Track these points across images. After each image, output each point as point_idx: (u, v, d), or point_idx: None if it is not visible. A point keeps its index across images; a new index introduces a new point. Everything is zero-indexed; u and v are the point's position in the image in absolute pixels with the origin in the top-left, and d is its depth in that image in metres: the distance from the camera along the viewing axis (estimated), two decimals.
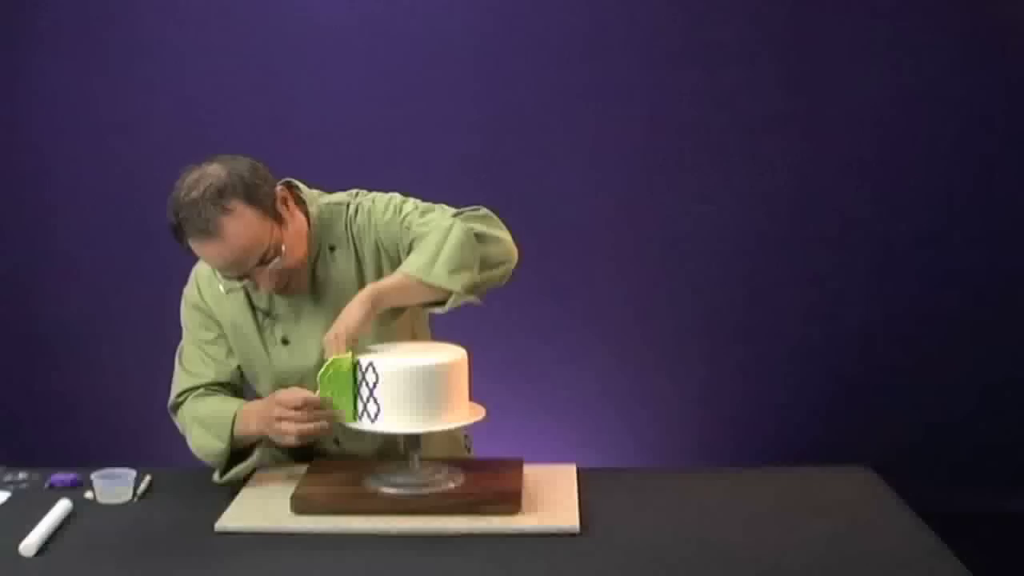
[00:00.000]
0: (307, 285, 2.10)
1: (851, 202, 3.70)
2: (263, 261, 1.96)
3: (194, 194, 1.91)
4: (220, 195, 1.91)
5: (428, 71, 3.67)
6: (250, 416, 2.03)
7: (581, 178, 3.70)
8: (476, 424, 1.97)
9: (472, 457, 2.33)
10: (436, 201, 2.13)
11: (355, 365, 1.91)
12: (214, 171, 1.94)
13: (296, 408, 1.93)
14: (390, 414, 1.88)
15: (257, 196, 1.95)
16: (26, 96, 3.74)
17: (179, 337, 2.22)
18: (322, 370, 1.91)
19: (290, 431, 1.94)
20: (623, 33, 3.64)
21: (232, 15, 3.66)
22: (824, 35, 3.63)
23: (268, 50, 3.67)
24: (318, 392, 1.92)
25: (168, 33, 3.68)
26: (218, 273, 2.03)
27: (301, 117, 3.67)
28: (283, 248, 1.98)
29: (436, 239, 1.95)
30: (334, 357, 1.90)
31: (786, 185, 3.69)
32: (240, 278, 2.00)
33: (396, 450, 2.08)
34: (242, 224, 1.92)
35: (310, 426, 1.93)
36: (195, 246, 1.94)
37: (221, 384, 2.15)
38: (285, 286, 2.05)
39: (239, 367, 2.16)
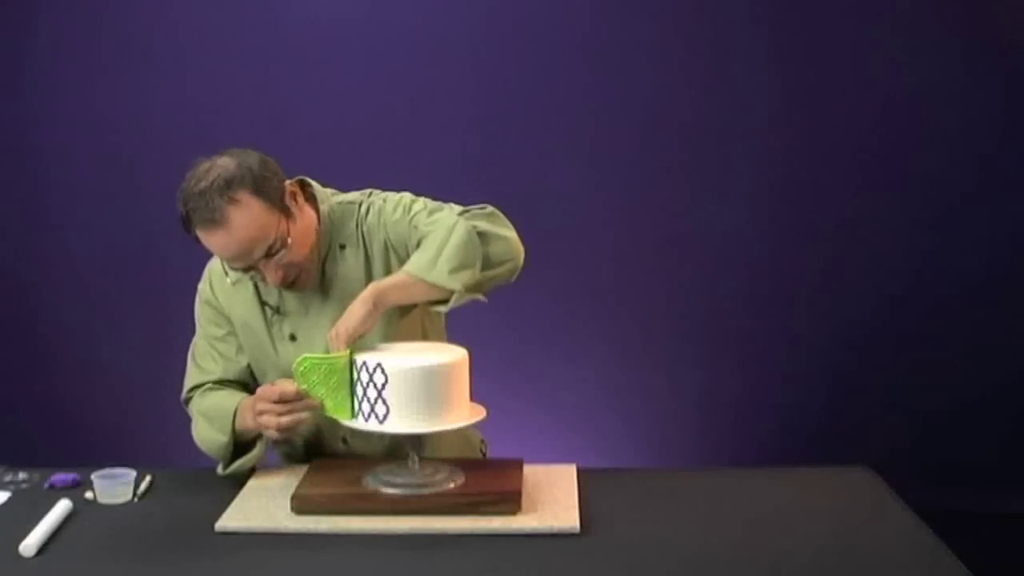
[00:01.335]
0: (316, 282, 2.11)
1: (851, 203, 3.69)
2: (269, 253, 1.97)
3: (203, 184, 1.93)
4: (228, 186, 1.93)
5: (429, 71, 3.67)
6: (246, 410, 2.05)
7: (582, 178, 3.70)
8: (475, 425, 1.97)
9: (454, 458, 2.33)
10: (438, 200, 2.13)
11: (352, 363, 1.92)
12: (223, 163, 1.96)
13: (274, 401, 1.95)
14: (397, 415, 1.88)
15: (265, 188, 1.96)
16: (26, 96, 3.74)
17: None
18: (295, 363, 1.92)
19: (269, 424, 1.97)
20: (624, 33, 3.64)
21: (232, 15, 3.66)
22: (826, 35, 3.62)
23: (268, 50, 3.67)
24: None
25: (169, 34, 3.68)
26: (226, 264, 2.06)
27: (302, 117, 3.67)
28: (289, 241, 1.99)
29: (439, 238, 1.96)
30: (303, 356, 1.93)
31: (786, 185, 3.69)
32: (247, 269, 2.02)
33: (404, 449, 2.08)
34: (248, 215, 1.93)
35: (286, 419, 1.95)
36: (202, 236, 1.96)
37: (230, 381, 2.17)
38: (293, 281, 2.06)
39: (250, 364, 2.18)
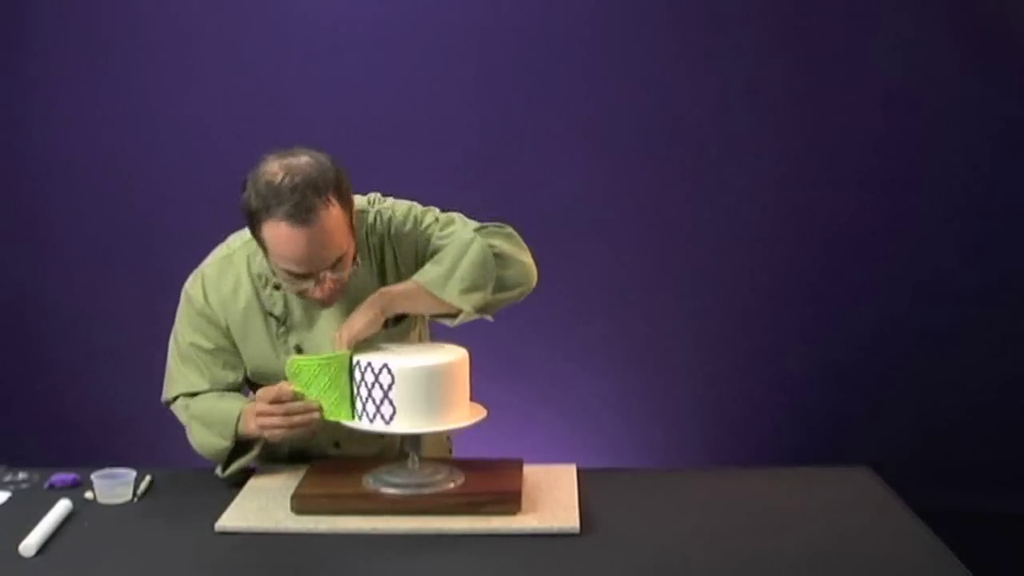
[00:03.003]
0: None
1: (852, 205, 3.69)
2: (333, 265, 1.91)
3: (297, 180, 1.85)
4: (325, 187, 1.86)
5: (432, 72, 3.66)
6: (249, 415, 2.02)
7: (583, 178, 3.70)
8: (475, 424, 1.97)
9: (454, 458, 2.32)
10: (440, 203, 2.13)
11: (355, 364, 1.92)
12: (312, 163, 1.89)
13: (270, 402, 1.94)
14: (404, 415, 1.88)
15: (346, 199, 1.91)
16: (25, 95, 3.73)
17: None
18: (286, 364, 1.93)
19: (267, 424, 1.95)
20: (628, 32, 3.64)
21: (232, 16, 3.66)
22: (830, 36, 3.62)
23: (270, 51, 3.66)
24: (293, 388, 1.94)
25: (170, 33, 3.67)
26: (282, 270, 1.94)
27: (303, 118, 3.65)
28: (357, 260, 1.94)
29: (454, 254, 1.94)
30: (293, 357, 1.93)
31: (787, 187, 3.69)
32: (306, 276, 1.92)
33: (395, 451, 2.07)
34: (334, 221, 1.87)
35: (299, 418, 1.93)
36: (283, 231, 1.85)
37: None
38: (333, 297, 1.97)
39: (242, 375, 2.13)
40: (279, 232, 1.86)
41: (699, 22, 3.63)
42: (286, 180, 1.85)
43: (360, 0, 3.66)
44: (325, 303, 1.99)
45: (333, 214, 1.87)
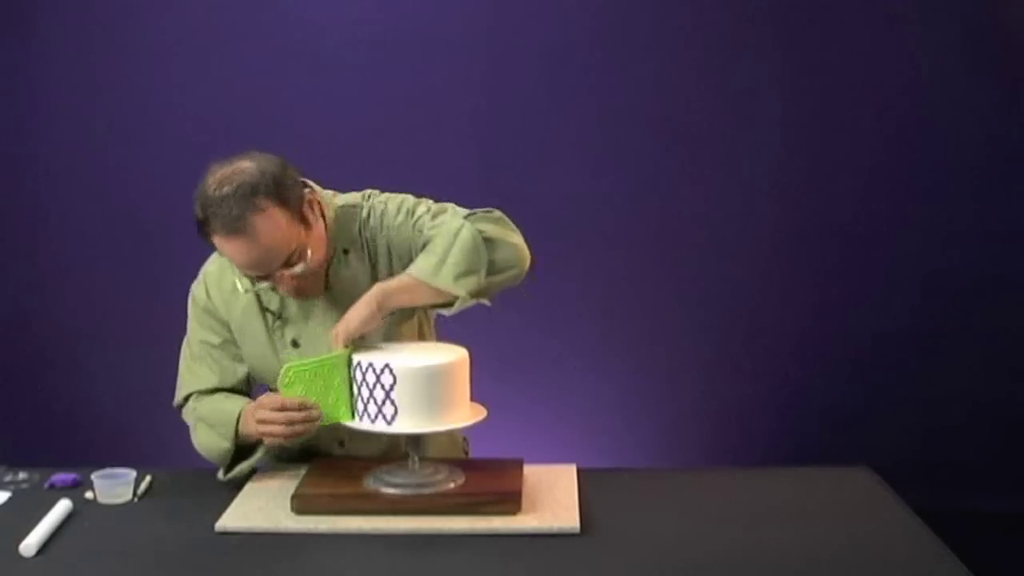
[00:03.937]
0: (321, 288, 2.08)
1: (854, 205, 3.69)
2: (287, 263, 1.94)
3: (226, 190, 1.88)
4: (253, 193, 1.88)
5: (431, 72, 3.66)
6: (249, 416, 2.03)
7: (583, 177, 3.70)
8: (476, 424, 1.97)
9: (454, 458, 2.32)
10: (445, 200, 2.12)
11: (356, 364, 1.92)
12: (247, 168, 1.91)
13: (275, 409, 1.94)
14: (406, 415, 1.88)
15: (287, 197, 1.92)
16: (24, 98, 3.73)
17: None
18: (280, 375, 1.92)
19: (275, 432, 1.95)
20: (628, 32, 3.64)
21: (233, 18, 3.66)
22: (831, 36, 3.62)
23: (267, 53, 3.66)
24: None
25: (168, 37, 3.67)
26: (238, 271, 2.01)
27: (301, 119, 3.66)
28: (308, 253, 1.96)
29: (444, 242, 1.95)
30: (286, 366, 1.93)
31: (787, 186, 3.69)
32: (261, 278, 1.98)
33: (400, 450, 2.07)
34: (271, 224, 1.90)
35: (300, 427, 1.94)
36: (221, 242, 1.91)
37: (226, 390, 2.15)
38: (301, 289, 2.03)
39: (247, 372, 2.15)
40: (220, 243, 1.92)
41: (700, 22, 3.63)
42: (217, 192, 1.89)
43: (361, 1, 3.66)
44: (297, 295, 2.05)
45: (270, 217, 1.89)
